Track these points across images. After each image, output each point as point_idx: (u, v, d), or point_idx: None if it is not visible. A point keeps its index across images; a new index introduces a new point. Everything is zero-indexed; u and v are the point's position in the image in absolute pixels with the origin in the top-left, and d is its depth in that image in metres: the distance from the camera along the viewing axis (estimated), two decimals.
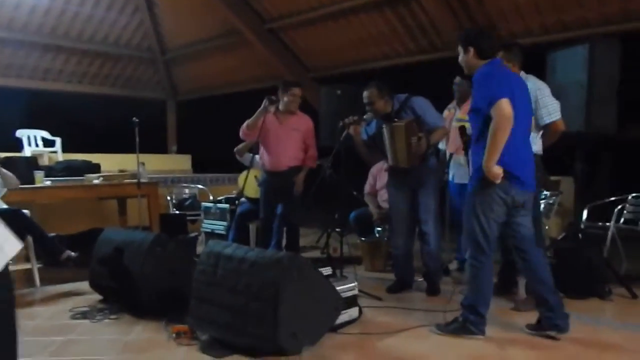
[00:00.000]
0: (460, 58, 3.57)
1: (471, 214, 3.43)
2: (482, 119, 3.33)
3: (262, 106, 4.93)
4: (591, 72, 4.34)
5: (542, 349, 3.31)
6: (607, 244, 4.97)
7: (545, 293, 3.48)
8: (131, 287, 3.92)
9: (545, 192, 5.10)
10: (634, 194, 5.21)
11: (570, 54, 4.58)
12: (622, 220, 5.18)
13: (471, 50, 3.46)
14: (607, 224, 5.10)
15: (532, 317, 3.62)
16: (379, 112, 4.47)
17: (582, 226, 5.06)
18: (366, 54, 9.33)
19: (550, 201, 5.18)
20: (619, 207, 5.20)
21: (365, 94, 4.48)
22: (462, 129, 4.28)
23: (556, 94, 4.15)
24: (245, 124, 5.03)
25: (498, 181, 3.29)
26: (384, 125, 4.45)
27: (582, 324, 3.74)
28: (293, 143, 5.14)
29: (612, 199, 5.33)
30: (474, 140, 3.48)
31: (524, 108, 3.46)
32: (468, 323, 3.49)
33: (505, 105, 3.20)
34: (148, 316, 3.84)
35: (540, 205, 4.48)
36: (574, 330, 3.52)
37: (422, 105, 4.44)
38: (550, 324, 3.47)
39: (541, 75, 4.29)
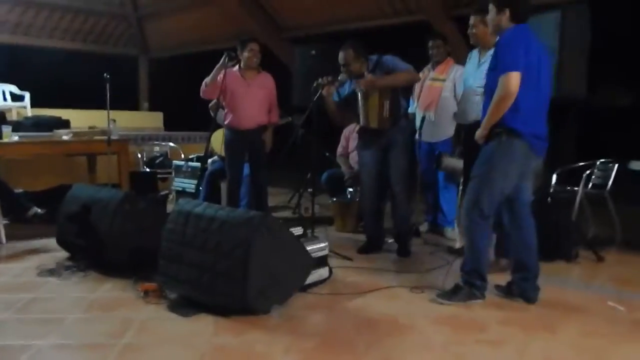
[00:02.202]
0: (490, 17, 3.47)
1: (481, 178, 3.37)
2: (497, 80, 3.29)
3: (220, 61, 4.84)
4: (562, 38, 4.36)
5: (509, 310, 3.37)
6: (575, 208, 5.03)
7: (529, 259, 3.49)
8: (99, 244, 3.88)
9: None
10: (602, 160, 5.26)
11: (542, 20, 4.58)
12: (590, 185, 5.25)
13: (507, 11, 3.37)
14: (576, 188, 5.16)
15: (499, 278, 3.68)
16: (354, 73, 4.43)
17: (551, 190, 5.11)
18: (341, 15, 9.16)
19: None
20: (588, 172, 5.25)
21: (341, 54, 4.42)
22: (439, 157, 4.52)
23: None
24: (204, 82, 4.94)
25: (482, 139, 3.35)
26: (358, 87, 4.41)
27: (549, 285, 3.79)
28: (260, 101, 5.11)
29: (581, 164, 5.39)
30: (488, 97, 3.41)
31: (548, 72, 3.44)
32: (474, 289, 3.45)
33: (514, 80, 3.19)
34: (116, 274, 3.80)
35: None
36: (542, 291, 3.58)
37: (392, 59, 4.43)
38: (520, 292, 3.51)
39: None
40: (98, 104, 6.30)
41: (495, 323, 3.14)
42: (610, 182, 5.11)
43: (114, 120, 5.74)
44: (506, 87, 3.20)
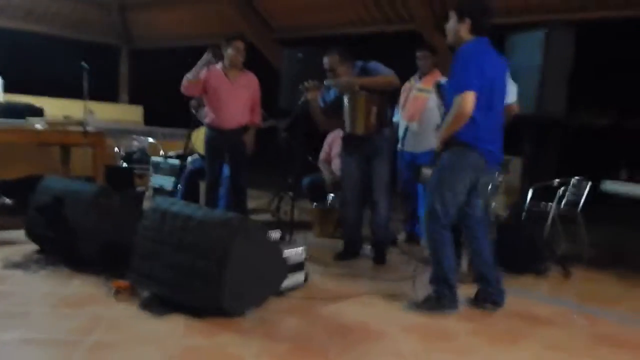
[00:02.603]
0: (450, 25, 3.48)
1: (436, 187, 3.43)
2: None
3: (203, 58, 4.80)
4: (546, 57, 4.43)
5: (479, 321, 3.41)
6: (548, 224, 5.11)
7: (486, 271, 3.58)
8: (70, 239, 3.79)
9: None
10: (576, 177, 5.36)
11: (528, 37, 4.66)
12: (564, 202, 5.34)
13: (467, 21, 3.40)
14: (550, 204, 5.25)
15: (473, 290, 3.72)
16: (334, 81, 4.42)
17: (527, 206, 5.18)
18: (332, 19, 9.21)
19: (499, 179, 5.29)
20: (562, 189, 5.35)
21: (326, 59, 4.42)
22: (438, 85, 4.29)
23: (512, 76, 4.19)
24: (185, 78, 4.86)
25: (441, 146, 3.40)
26: (345, 93, 4.41)
27: (518, 298, 3.92)
28: (243, 100, 5.04)
29: (557, 181, 5.47)
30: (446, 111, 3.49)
31: (502, 90, 3.51)
32: (443, 299, 3.47)
33: (469, 100, 3.24)
34: (87, 270, 3.73)
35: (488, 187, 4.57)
36: (510, 304, 3.69)
37: (375, 65, 4.45)
38: (487, 298, 3.59)
39: None
40: (74, 94, 6.19)
41: (464, 333, 3.18)
42: (582, 201, 5.21)
43: (91, 111, 5.64)
44: (462, 108, 3.25)
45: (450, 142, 3.40)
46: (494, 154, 3.46)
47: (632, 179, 4.69)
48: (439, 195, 3.41)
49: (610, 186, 4.77)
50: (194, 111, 5.65)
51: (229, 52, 4.92)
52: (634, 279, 4.71)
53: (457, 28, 3.44)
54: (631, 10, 6.85)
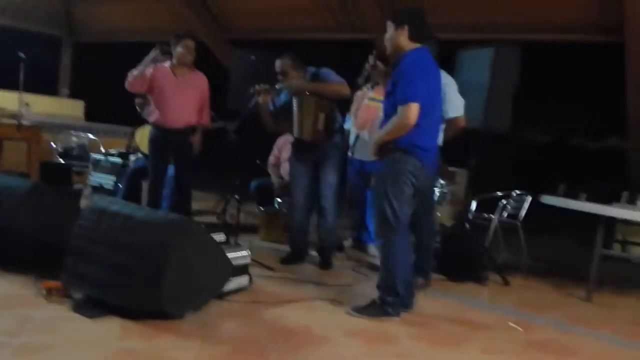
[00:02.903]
0: (388, 35, 3.48)
1: (382, 194, 3.43)
2: (395, 105, 3.38)
3: (150, 54, 4.66)
4: (493, 74, 4.57)
5: (420, 326, 3.45)
6: (489, 235, 5.28)
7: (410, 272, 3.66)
8: (0, 237, 3.56)
9: (441, 181, 5.29)
10: (517, 191, 5.56)
11: (477, 54, 4.81)
12: (505, 213, 5.50)
13: (405, 28, 3.40)
14: (492, 215, 5.40)
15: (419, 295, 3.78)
16: (284, 84, 4.40)
17: (470, 216, 5.34)
18: (286, 24, 9.19)
19: (445, 190, 5.40)
20: (504, 201, 5.51)
21: (278, 63, 4.40)
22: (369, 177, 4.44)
23: (460, 91, 4.31)
24: (130, 74, 4.70)
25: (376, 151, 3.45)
26: (294, 97, 4.38)
27: (459, 304, 4.05)
28: (191, 100, 4.90)
29: (499, 193, 5.65)
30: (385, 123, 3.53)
31: (439, 101, 3.59)
32: (385, 305, 3.46)
33: (413, 111, 3.27)
34: (16, 270, 3.51)
35: (435, 193, 4.64)
36: (452, 310, 3.84)
37: (328, 73, 4.45)
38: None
39: (449, 72, 4.39)
40: (9, 85, 5.89)
41: (406, 337, 3.22)
42: (522, 213, 5.43)
43: (27, 104, 5.39)
44: (405, 118, 3.29)
45: (387, 149, 3.43)
46: (430, 158, 3.53)
47: (569, 194, 4.86)
48: (387, 201, 3.41)
49: (549, 200, 4.93)
50: (138, 109, 5.49)
51: (178, 50, 4.78)
52: (568, 287, 4.90)
53: (395, 36, 3.44)
54: (575, 34, 7.20)
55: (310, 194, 4.58)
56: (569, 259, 6.27)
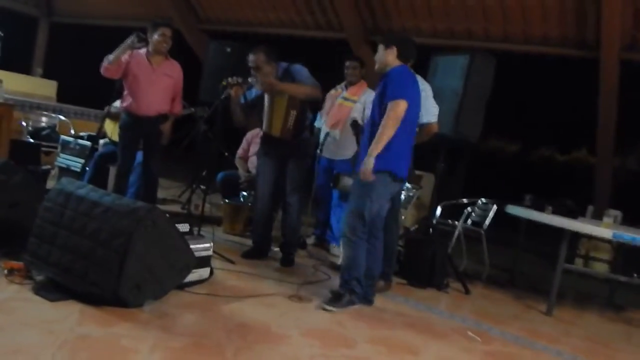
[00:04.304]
0: (378, 55, 3.81)
1: (364, 195, 3.66)
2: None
3: (127, 41, 4.65)
4: (467, 82, 4.61)
5: (379, 328, 3.51)
6: (452, 241, 5.32)
7: (377, 270, 3.94)
8: None
9: (407, 185, 5.35)
10: (483, 199, 5.62)
11: (452, 61, 4.83)
12: (469, 221, 5.58)
13: (394, 49, 3.74)
14: (456, 222, 5.47)
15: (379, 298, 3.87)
16: (262, 77, 4.37)
17: (434, 221, 5.35)
18: (263, 18, 9.17)
19: (411, 193, 5.44)
20: (469, 209, 5.59)
21: (251, 57, 4.38)
22: (355, 123, 4.70)
23: (433, 96, 4.33)
24: (105, 59, 4.69)
25: (368, 176, 3.57)
26: (267, 93, 4.40)
27: (418, 310, 4.08)
28: (164, 89, 4.90)
29: (465, 200, 5.72)
30: (370, 128, 3.74)
31: (417, 111, 3.82)
32: (354, 296, 3.73)
33: (402, 107, 3.56)
34: None
35: (401, 196, 4.70)
36: (410, 316, 3.86)
37: (301, 70, 4.47)
38: (363, 296, 3.83)
39: (422, 77, 4.45)
40: None
41: (364, 341, 3.25)
42: (487, 222, 5.46)
43: (1, 81, 5.34)
44: (394, 112, 3.54)
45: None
46: (404, 171, 3.78)
47: (535, 205, 4.95)
48: (368, 202, 3.65)
49: (514, 210, 4.99)
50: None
51: (155, 38, 4.77)
52: (529, 300, 4.96)
53: (384, 55, 3.77)
54: (551, 47, 7.26)
55: (276, 189, 4.60)
56: (530, 270, 6.31)
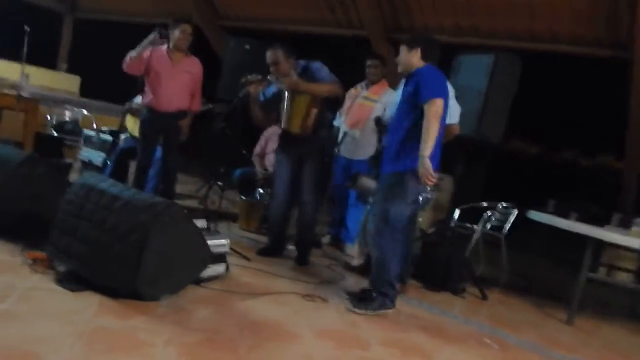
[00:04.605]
0: (401, 56, 3.74)
1: (395, 197, 3.60)
2: (419, 110, 3.54)
3: (149, 37, 4.71)
4: (491, 82, 4.53)
5: (393, 331, 3.48)
6: (470, 245, 5.23)
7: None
8: None
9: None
10: (504, 204, 5.48)
11: (476, 60, 4.74)
12: (488, 225, 5.47)
13: (418, 50, 3.68)
14: (475, 226, 5.38)
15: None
16: (281, 74, 4.37)
17: (452, 224, 5.29)
18: (282, 14, 9.13)
19: (429, 196, 5.37)
20: (489, 213, 5.48)
21: (270, 53, 4.36)
22: (378, 120, 4.60)
23: (456, 95, 4.25)
24: (128, 55, 4.76)
25: (429, 177, 3.48)
26: (287, 91, 4.40)
27: (433, 314, 4.02)
28: (184, 85, 4.96)
29: (484, 204, 5.61)
30: (396, 129, 3.67)
31: (447, 111, 3.72)
32: (387, 299, 3.68)
33: (439, 104, 3.50)
34: (4, 237, 3.56)
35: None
36: (425, 320, 3.81)
37: (320, 68, 4.44)
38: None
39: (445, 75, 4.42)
40: (11, 55, 5.92)
41: (377, 343, 3.23)
42: (507, 226, 5.34)
43: (27, 76, 5.44)
44: (435, 111, 3.48)
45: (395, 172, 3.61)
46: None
47: (559, 211, 4.83)
48: (399, 207, 3.61)
49: (536, 216, 4.84)
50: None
51: (176, 34, 4.83)
52: (547, 307, 4.87)
53: (408, 57, 3.71)
54: (579, 47, 6.99)
55: (292, 187, 4.57)
56: (550, 278, 6.18)
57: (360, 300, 3.72)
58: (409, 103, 3.64)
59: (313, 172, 4.51)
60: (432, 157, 3.58)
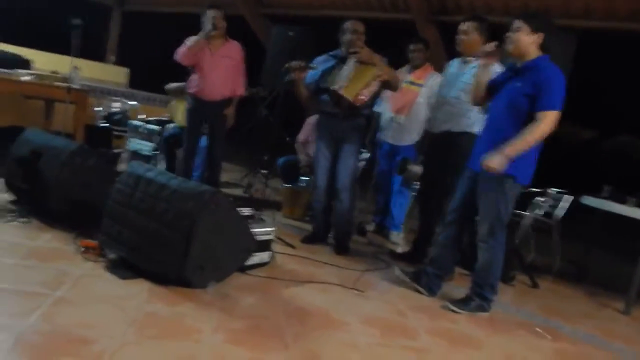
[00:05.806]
0: (518, 35, 3.35)
1: (500, 198, 3.44)
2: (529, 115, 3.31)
3: (208, 28, 4.74)
4: None
5: (440, 320, 3.42)
6: (520, 232, 5.08)
7: (451, 264, 3.98)
8: (43, 192, 3.74)
9: None
10: (556, 189, 5.28)
11: None
12: (540, 212, 5.28)
13: (541, 36, 3.33)
14: (524, 212, 5.23)
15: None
16: (356, 45, 4.25)
17: None
18: (325, 0, 9.07)
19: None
20: (540, 199, 5.30)
21: (351, 23, 4.32)
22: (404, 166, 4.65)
23: None
24: (185, 44, 4.81)
25: (498, 169, 3.29)
26: (355, 60, 4.25)
27: None
28: (226, 70, 4.98)
29: (535, 190, 5.43)
30: (499, 130, 3.43)
31: None
32: (487, 302, 3.60)
33: (555, 119, 3.23)
34: (58, 226, 3.69)
35: None
36: None
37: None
38: (426, 283, 3.81)
39: None
40: (62, 49, 6.08)
41: (424, 332, 3.18)
42: (561, 212, 5.13)
43: (77, 68, 5.58)
44: (546, 125, 3.22)
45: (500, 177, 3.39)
46: (528, 179, 3.52)
47: (615, 197, 4.62)
48: (504, 209, 3.46)
49: (591, 201, 4.67)
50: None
51: (204, 22, 4.83)
52: (602, 297, 4.72)
53: (527, 41, 3.33)
54: (634, 23, 6.63)
55: (333, 175, 4.49)
56: (605, 266, 5.96)
57: (461, 300, 3.65)
58: (519, 104, 3.33)
59: (349, 160, 4.40)
60: (531, 164, 3.43)
